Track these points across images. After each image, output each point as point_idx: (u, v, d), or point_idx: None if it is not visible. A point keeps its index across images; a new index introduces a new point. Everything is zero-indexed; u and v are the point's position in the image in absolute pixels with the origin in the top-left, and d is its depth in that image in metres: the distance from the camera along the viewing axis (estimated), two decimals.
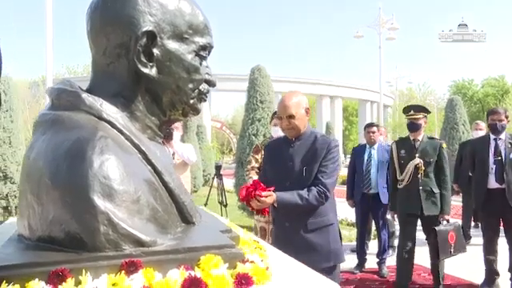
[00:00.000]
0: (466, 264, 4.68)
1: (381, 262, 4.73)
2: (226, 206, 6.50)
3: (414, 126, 3.83)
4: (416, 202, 3.74)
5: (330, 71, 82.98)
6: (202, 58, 1.25)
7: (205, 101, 1.33)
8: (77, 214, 0.93)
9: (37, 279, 0.85)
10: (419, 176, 3.74)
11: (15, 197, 6.83)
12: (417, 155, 3.78)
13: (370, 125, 5.16)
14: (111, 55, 1.16)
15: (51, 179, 0.97)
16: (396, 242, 5.62)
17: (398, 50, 76.13)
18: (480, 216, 4.22)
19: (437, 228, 3.61)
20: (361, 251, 4.95)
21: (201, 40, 1.23)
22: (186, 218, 1.17)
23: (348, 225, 7.40)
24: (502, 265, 4.04)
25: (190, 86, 1.22)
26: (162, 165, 1.14)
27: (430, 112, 4.04)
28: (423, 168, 3.73)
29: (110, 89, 1.17)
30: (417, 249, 4.02)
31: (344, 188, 5.56)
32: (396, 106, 36.29)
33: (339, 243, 2.39)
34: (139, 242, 0.95)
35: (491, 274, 4.01)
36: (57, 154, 0.99)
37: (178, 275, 0.90)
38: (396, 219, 4.57)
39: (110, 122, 1.10)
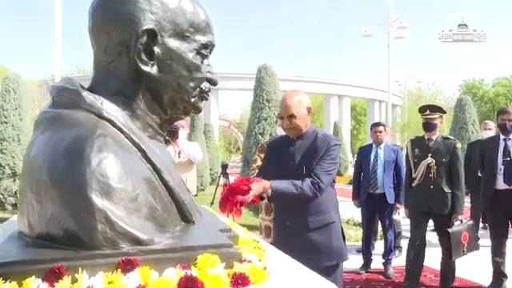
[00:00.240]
0: (474, 266, 4.63)
1: (387, 263, 4.70)
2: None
3: (429, 126, 3.86)
4: (426, 201, 3.80)
5: (337, 70, 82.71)
6: (204, 57, 1.24)
7: (206, 99, 1.33)
8: (74, 212, 0.93)
9: (34, 276, 0.85)
10: (431, 175, 3.77)
11: None
12: (429, 155, 3.80)
13: (377, 124, 5.13)
14: (112, 53, 1.16)
15: (50, 177, 0.97)
16: (402, 243, 5.60)
17: (407, 49, 75.47)
18: (488, 217, 4.18)
19: (450, 230, 3.62)
20: (366, 251, 4.92)
21: (202, 38, 1.22)
22: (185, 217, 1.17)
23: (354, 225, 7.36)
24: (510, 267, 3.99)
25: (191, 84, 1.21)
26: (162, 163, 1.14)
27: (445, 112, 4.07)
28: (435, 167, 3.76)
29: (110, 87, 1.17)
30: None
31: (350, 188, 5.53)
32: (405, 105, 36.06)
33: (342, 241, 2.37)
34: (136, 241, 0.95)
35: (499, 276, 3.97)
36: (56, 151, 1.00)
37: (174, 274, 0.90)
38: (401, 218, 4.59)
39: (109, 121, 1.11)
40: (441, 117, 3.90)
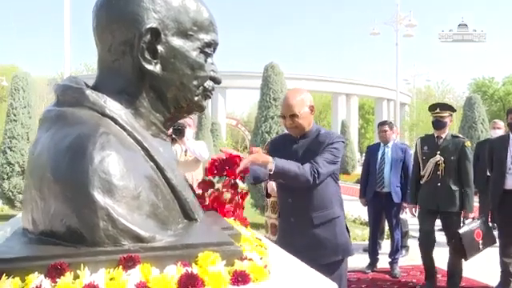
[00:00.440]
0: (482, 266, 4.59)
1: (393, 262, 4.68)
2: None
3: (439, 124, 3.88)
4: (433, 198, 3.83)
5: (346, 69, 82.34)
6: (207, 55, 1.24)
7: (210, 98, 1.33)
8: (77, 209, 0.94)
9: (36, 272, 0.86)
10: (439, 173, 3.80)
11: None
12: (438, 152, 3.83)
13: (382, 123, 5.12)
14: (116, 52, 1.16)
15: (53, 174, 0.98)
16: (409, 242, 5.57)
17: (416, 48, 74.91)
18: (496, 217, 4.15)
19: (460, 231, 3.62)
20: (373, 251, 4.90)
21: (206, 37, 1.23)
22: (188, 215, 1.17)
23: (361, 224, 7.34)
24: None
25: (195, 82, 1.22)
26: (165, 161, 1.14)
27: (455, 110, 4.11)
28: (443, 165, 3.78)
29: (114, 85, 1.18)
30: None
31: (357, 186, 5.52)
32: (413, 104, 35.81)
33: (347, 236, 2.36)
34: (138, 238, 0.96)
35: (507, 276, 3.94)
36: (59, 149, 1.01)
37: (174, 271, 0.90)
38: (408, 217, 4.61)
39: (112, 119, 1.11)
40: (450, 115, 3.93)
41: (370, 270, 4.75)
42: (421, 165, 3.99)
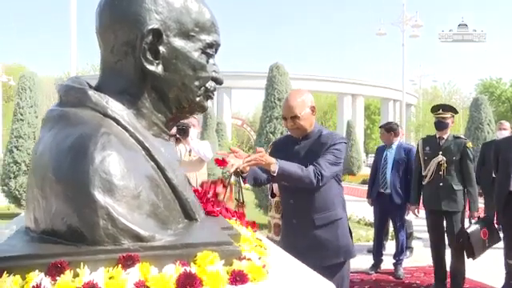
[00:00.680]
0: (487, 267, 4.57)
1: (397, 264, 4.67)
2: (242, 203, 6.52)
3: (441, 125, 3.92)
4: (436, 198, 3.87)
5: (351, 69, 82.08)
6: (209, 56, 1.25)
7: (212, 98, 1.34)
8: (77, 208, 0.95)
9: (37, 270, 0.87)
10: (441, 173, 3.84)
11: None
12: (440, 153, 3.87)
13: (381, 126, 5.22)
14: (118, 53, 1.17)
15: (54, 174, 0.99)
16: (414, 244, 5.55)
17: (422, 48, 74.54)
18: (501, 219, 4.13)
19: (468, 230, 3.67)
20: (377, 252, 4.90)
21: (207, 38, 1.23)
22: (188, 215, 1.17)
23: (365, 225, 7.32)
24: None
25: (196, 83, 1.22)
26: (166, 161, 1.15)
27: (457, 112, 4.14)
28: (445, 165, 3.82)
29: (117, 86, 1.19)
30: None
31: (363, 187, 5.53)
32: (419, 104, 35.62)
33: (349, 238, 2.36)
34: (138, 237, 0.96)
35: (510, 278, 3.92)
36: (60, 149, 1.02)
37: (173, 270, 0.91)
38: (412, 218, 4.64)
39: (114, 119, 1.12)
40: (452, 116, 3.97)
41: (373, 271, 4.73)
42: (422, 165, 4.03)
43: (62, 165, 0.99)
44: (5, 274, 0.86)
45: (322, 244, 2.24)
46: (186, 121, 4.84)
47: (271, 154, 2.55)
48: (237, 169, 1.98)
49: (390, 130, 4.98)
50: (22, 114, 8.16)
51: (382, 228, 5.06)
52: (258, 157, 2.02)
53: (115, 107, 1.14)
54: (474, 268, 4.23)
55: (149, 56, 1.14)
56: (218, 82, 1.29)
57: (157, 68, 1.16)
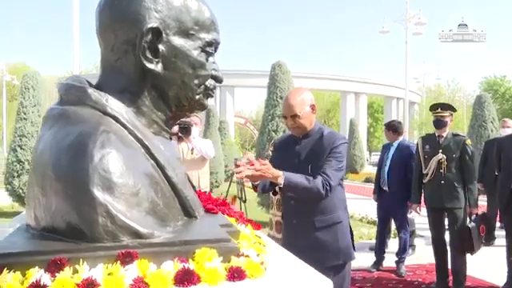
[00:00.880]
0: (489, 266, 4.56)
1: (399, 261, 4.67)
2: (245, 201, 6.53)
3: (440, 123, 3.96)
4: (438, 196, 3.91)
5: (354, 67, 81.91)
6: (209, 54, 1.25)
7: (211, 96, 1.34)
8: (77, 206, 0.96)
9: (37, 267, 0.88)
10: (441, 171, 3.88)
11: None
12: (440, 151, 3.91)
13: (385, 124, 5.25)
14: (119, 51, 1.18)
15: (54, 171, 1.00)
16: (416, 241, 5.55)
17: (425, 46, 74.26)
18: (503, 217, 4.13)
19: (470, 225, 3.72)
20: (379, 249, 4.91)
21: (207, 36, 1.24)
22: (188, 212, 1.18)
23: (368, 223, 7.32)
24: None
25: (196, 81, 1.23)
26: (166, 159, 1.16)
27: (456, 110, 4.19)
28: (446, 163, 3.87)
29: (117, 84, 1.20)
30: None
31: (365, 186, 5.54)
32: (423, 102, 35.50)
33: (349, 241, 2.35)
34: (137, 234, 0.97)
35: None
36: (60, 147, 1.03)
37: (171, 267, 0.92)
38: (415, 216, 4.66)
39: (114, 117, 1.13)
40: (451, 115, 4.01)
41: (375, 268, 4.74)
42: (423, 164, 4.05)
43: (62, 163, 1.00)
44: (5, 271, 0.87)
45: (321, 246, 2.24)
46: (188, 119, 4.85)
47: (272, 153, 2.55)
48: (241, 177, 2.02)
49: (390, 128, 5.01)
50: (25, 113, 8.20)
51: (384, 225, 5.06)
52: (264, 169, 2.03)
53: (115, 105, 1.15)
54: (475, 266, 4.23)
55: (148, 54, 1.15)
56: (217, 80, 1.30)
57: (156, 66, 1.16)
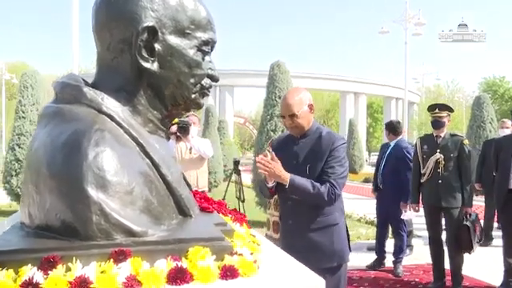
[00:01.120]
0: (486, 265, 4.57)
1: (396, 261, 4.68)
2: (243, 201, 6.53)
3: (437, 124, 4.00)
4: (436, 195, 3.94)
5: (353, 67, 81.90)
6: (205, 53, 1.25)
7: (207, 95, 1.34)
8: (71, 204, 0.96)
9: (30, 265, 0.88)
10: (439, 170, 3.91)
11: None
12: (438, 150, 3.94)
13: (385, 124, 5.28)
14: (115, 50, 1.18)
15: (48, 169, 1.00)
16: (413, 242, 5.56)
17: (425, 46, 74.35)
18: (500, 217, 4.14)
19: (468, 224, 3.76)
20: (379, 250, 4.92)
21: (203, 35, 1.24)
22: (183, 211, 1.18)
23: (366, 223, 7.33)
24: None
25: (192, 80, 1.23)
26: (161, 158, 1.16)
27: (453, 111, 4.23)
28: (443, 163, 3.90)
29: (113, 83, 1.20)
30: None
31: (364, 186, 5.55)
32: (422, 103, 35.50)
33: (345, 243, 2.34)
34: (130, 232, 0.97)
35: (509, 277, 3.93)
36: (55, 145, 1.03)
37: (164, 265, 0.92)
38: (409, 217, 4.70)
39: (109, 116, 1.13)
40: (449, 115, 4.04)
41: (372, 269, 4.74)
42: (421, 164, 4.08)
43: (56, 161, 1.00)
44: None
45: (316, 247, 2.24)
46: (186, 119, 4.85)
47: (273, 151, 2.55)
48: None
49: (388, 127, 5.03)
50: (23, 112, 8.20)
51: (382, 224, 5.07)
52: (277, 167, 2.14)
53: (110, 104, 1.15)
54: (472, 266, 4.24)
55: (144, 53, 1.15)
56: (213, 79, 1.30)
57: (152, 65, 1.16)
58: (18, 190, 8.04)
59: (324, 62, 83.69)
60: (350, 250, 2.41)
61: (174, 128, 4.76)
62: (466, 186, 3.87)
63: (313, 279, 0.99)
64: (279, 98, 7.28)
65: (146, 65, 1.15)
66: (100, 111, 1.13)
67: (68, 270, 0.88)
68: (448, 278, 4.09)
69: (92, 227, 0.95)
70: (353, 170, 19.13)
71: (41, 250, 0.92)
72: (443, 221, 4.05)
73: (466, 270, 4.06)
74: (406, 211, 4.61)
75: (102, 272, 0.89)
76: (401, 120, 12.87)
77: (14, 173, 8.11)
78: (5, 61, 28.01)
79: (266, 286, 0.94)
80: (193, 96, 1.25)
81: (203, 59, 1.24)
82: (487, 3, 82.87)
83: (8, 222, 1.41)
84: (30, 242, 0.97)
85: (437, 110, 4.00)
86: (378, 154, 5.44)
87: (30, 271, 0.87)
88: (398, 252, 4.72)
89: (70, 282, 0.84)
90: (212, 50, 1.31)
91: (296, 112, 2.25)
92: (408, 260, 5.00)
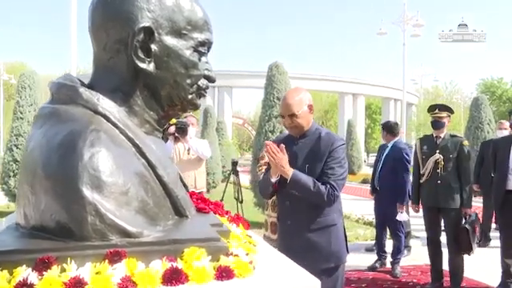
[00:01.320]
0: (483, 266, 4.58)
1: (394, 262, 4.67)
2: (241, 202, 6.52)
3: (437, 124, 3.99)
4: (434, 196, 3.93)
5: (352, 68, 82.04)
6: (201, 54, 1.25)
7: (204, 96, 1.34)
8: (66, 204, 0.96)
9: (24, 265, 0.88)
10: (438, 171, 3.91)
11: None
12: (437, 151, 3.94)
13: (381, 124, 5.29)
14: (111, 50, 1.18)
15: (44, 170, 1.00)
16: (411, 242, 5.56)
17: (423, 47, 74.45)
18: (498, 218, 4.15)
19: (467, 226, 3.75)
20: (378, 250, 4.93)
21: (200, 36, 1.24)
22: (179, 212, 1.18)
23: (364, 224, 7.33)
24: None
25: (188, 81, 1.23)
26: (157, 158, 1.16)
27: (453, 112, 4.21)
28: (443, 163, 3.89)
29: (109, 83, 1.20)
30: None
31: (363, 186, 5.56)
32: (421, 104, 35.55)
33: (342, 244, 2.34)
34: (125, 233, 0.97)
35: (506, 277, 3.94)
36: (50, 145, 1.03)
37: (160, 266, 0.92)
38: (405, 218, 4.72)
39: (105, 116, 1.13)
40: (449, 116, 4.03)
41: (370, 270, 4.74)
42: (421, 164, 4.08)
43: (52, 161, 1.00)
44: None
45: (313, 247, 2.24)
46: (184, 120, 4.86)
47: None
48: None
49: (384, 128, 5.03)
50: (21, 113, 8.18)
51: (381, 225, 5.07)
52: (284, 159, 2.16)
53: (106, 104, 1.15)
54: (470, 267, 4.24)
55: (140, 54, 1.15)
56: (210, 79, 1.30)
57: (148, 66, 1.16)
58: (16, 190, 8.00)
59: (322, 62, 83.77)
60: (348, 252, 2.41)
61: (172, 129, 4.76)
62: (466, 187, 3.87)
63: (308, 280, 0.99)
64: (277, 98, 7.28)
65: (142, 65, 1.15)
66: (96, 112, 1.13)
67: (63, 270, 0.88)
68: (446, 279, 4.09)
69: (87, 228, 0.95)
70: (351, 171, 19.14)
71: (35, 250, 0.91)
72: (442, 222, 4.05)
73: (464, 271, 4.06)
74: (401, 212, 4.61)
75: (96, 273, 0.89)
76: (399, 121, 12.89)
77: (11, 174, 8.09)
78: (3, 61, 27.92)
79: (262, 287, 0.94)
80: (189, 97, 1.25)
81: (200, 60, 1.24)
82: (487, 4, 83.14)
83: (4, 222, 1.40)
84: (24, 243, 0.97)
85: (437, 111, 3.99)
86: (375, 155, 5.44)
87: (24, 272, 0.87)
88: (396, 253, 4.72)
89: (65, 283, 0.84)
90: (209, 51, 1.31)
91: (296, 112, 2.26)
92: (406, 261, 5.00)
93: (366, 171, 19.86)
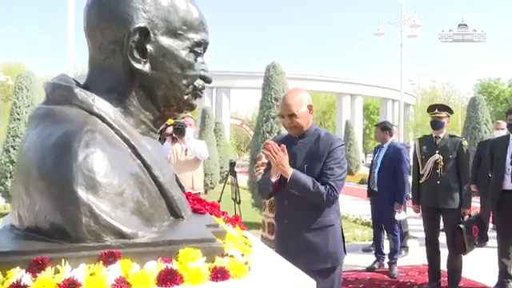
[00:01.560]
0: (481, 266, 4.58)
1: (392, 262, 4.68)
2: (239, 202, 6.51)
3: (437, 124, 4.00)
4: (434, 196, 3.93)
5: (350, 69, 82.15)
6: (197, 54, 1.25)
7: (200, 97, 1.33)
8: (60, 206, 0.96)
9: (18, 267, 0.87)
10: (438, 171, 3.91)
11: None
12: (437, 151, 3.94)
13: (376, 125, 5.28)
14: (106, 51, 1.18)
15: (38, 171, 1.00)
16: (409, 243, 5.57)
17: (420, 48, 74.63)
18: (495, 218, 4.16)
19: (462, 226, 3.74)
20: (375, 250, 4.93)
21: (195, 36, 1.23)
22: (174, 212, 1.18)
23: (362, 224, 7.34)
24: None
25: (184, 81, 1.23)
26: (152, 159, 1.15)
27: (453, 112, 4.20)
28: (442, 164, 3.89)
29: (105, 84, 1.19)
30: None
31: (360, 187, 5.57)
32: (418, 104, 35.64)
33: (339, 245, 2.34)
34: (120, 234, 0.97)
35: (503, 277, 3.94)
36: (45, 146, 1.02)
37: (154, 267, 0.92)
38: (402, 218, 4.73)
39: (100, 117, 1.12)
40: (448, 116, 4.02)
41: (368, 270, 4.74)
42: (420, 165, 4.08)
43: (46, 162, 0.99)
44: None
45: (311, 247, 2.24)
46: (182, 120, 4.85)
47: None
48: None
49: (382, 129, 5.04)
50: (18, 114, 8.16)
51: (378, 226, 5.08)
52: (284, 158, 2.16)
53: (101, 105, 1.14)
54: (467, 266, 4.24)
55: (136, 54, 1.15)
56: (206, 80, 1.29)
57: (144, 66, 1.16)
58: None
59: (320, 63, 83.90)
60: (345, 253, 2.41)
61: (169, 129, 4.76)
62: (464, 187, 3.87)
63: (304, 281, 0.99)
64: (275, 99, 7.28)
65: (138, 66, 1.15)
66: (91, 112, 1.12)
67: (57, 272, 0.88)
68: (443, 279, 4.10)
69: (82, 229, 0.95)
70: (349, 172, 19.13)
71: (29, 252, 0.91)
72: (441, 222, 4.05)
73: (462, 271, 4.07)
74: (399, 212, 4.61)
75: (91, 274, 0.88)
76: (397, 121, 12.90)
77: (8, 175, 8.06)
78: (0, 62, 27.87)
79: None
80: (185, 97, 1.25)
81: (195, 60, 1.24)
82: (487, 4, 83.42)
83: (0, 224, 1.40)
84: (18, 244, 0.96)
85: (436, 111, 3.99)
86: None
87: (18, 273, 0.86)
88: (393, 253, 4.73)
89: (59, 285, 0.84)
90: (204, 51, 1.30)
91: (295, 112, 2.26)
92: (403, 261, 5.01)
93: (364, 172, 19.88)
